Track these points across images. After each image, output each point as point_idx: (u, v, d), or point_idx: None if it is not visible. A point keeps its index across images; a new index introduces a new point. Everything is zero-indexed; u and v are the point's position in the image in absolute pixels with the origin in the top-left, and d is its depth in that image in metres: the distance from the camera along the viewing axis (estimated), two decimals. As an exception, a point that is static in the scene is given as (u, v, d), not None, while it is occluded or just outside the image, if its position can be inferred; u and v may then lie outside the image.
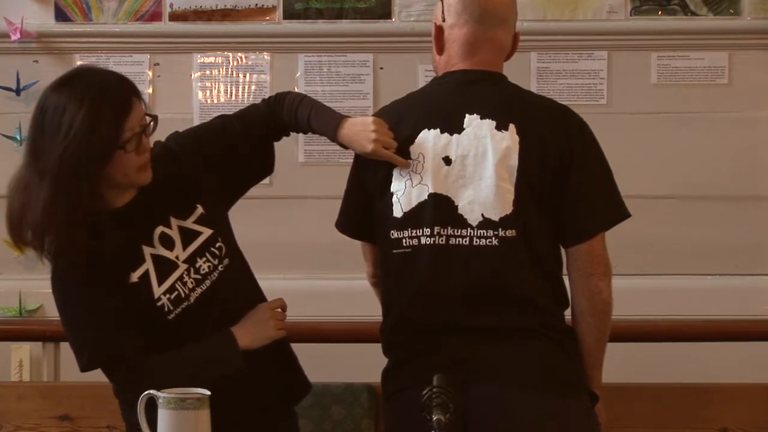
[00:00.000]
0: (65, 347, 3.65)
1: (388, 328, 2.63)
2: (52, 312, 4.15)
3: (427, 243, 2.53)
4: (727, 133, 4.25)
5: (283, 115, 2.60)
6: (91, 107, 2.30)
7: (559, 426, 2.49)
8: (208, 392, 2.19)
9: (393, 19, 4.29)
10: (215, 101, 4.30)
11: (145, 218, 2.45)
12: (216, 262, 2.48)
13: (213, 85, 4.32)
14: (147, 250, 2.44)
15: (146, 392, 2.22)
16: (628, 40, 4.26)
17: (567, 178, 2.53)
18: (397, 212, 2.57)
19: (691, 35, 4.26)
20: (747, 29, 4.25)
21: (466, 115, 2.56)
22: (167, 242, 2.46)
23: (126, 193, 2.43)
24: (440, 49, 2.67)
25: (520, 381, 2.48)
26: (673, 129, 4.26)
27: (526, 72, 4.22)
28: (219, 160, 2.54)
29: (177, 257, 2.46)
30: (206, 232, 2.48)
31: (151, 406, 2.20)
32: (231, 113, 2.61)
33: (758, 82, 4.25)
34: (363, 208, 2.68)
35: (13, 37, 4.25)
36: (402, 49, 4.25)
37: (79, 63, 4.30)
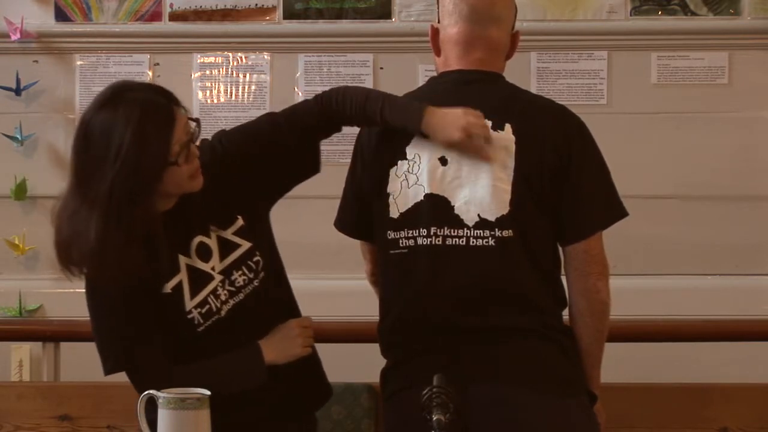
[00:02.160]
0: (65, 347, 3.67)
1: (387, 329, 2.63)
2: (52, 312, 4.21)
3: (424, 243, 2.53)
4: (727, 133, 4.25)
5: (345, 109, 2.53)
6: (137, 129, 2.25)
7: (558, 426, 2.49)
8: (208, 392, 2.19)
9: (393, 19, 4.29)
10: (215, 101, 4.30)
11: (185, 227, 2.42)
12: (252, 276, 2.46)
13: (213, 85, 4.32)
14: (183, 260, 2.42)
15: (146, 392, 2.23)
16: (628, 40, 4.26)
17: (565, 177, 2.53)
18: (394, 213, 2.57)
19: (691, 35, 4.26)
20: (747, 29, 4.25)
21: (464, 116, 2.56)
22: (204, 252, 2.43)
23: (169, 200, 2.39)
24: (437, 51, 2.68)
25: (519, 381, 2.48)
26: (673, 129, 4.26)
27: (526, 72, 4.21)
28: (263, 160, 2.49)
29: (213, 268, 2.44)
30: (245, 246, 2.46)
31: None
32: (279, 111, 2.57)
33: (758, 82, 4.25)
34: (361, 207, 2.68)
35: (13, 37, 4.24)
36: (402, 49, 4.24)
37: (79, 63, 4.31)
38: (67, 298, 4.11)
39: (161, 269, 2.38)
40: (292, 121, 2.53)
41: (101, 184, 2.26)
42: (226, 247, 2.45)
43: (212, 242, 2.44)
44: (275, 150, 2.51)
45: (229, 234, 2.46)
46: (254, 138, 2.52)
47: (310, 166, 2.57)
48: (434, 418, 2.15)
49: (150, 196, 2.30)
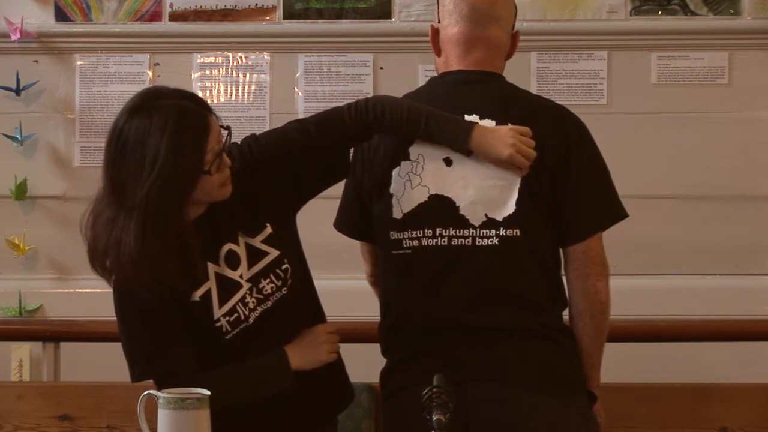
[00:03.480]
0: (65, 347, 3.67)
1: (387, 329, 2.63)
2: (52, 312, 4.21)
3: (429, 244, 2.54)
4: (727, 133, 4.25)
5: (384, 119, 2.50)
6: (173, 136, 2.23)
7: (557, 426, 2.49)
8: (208, 392, 2.19)
9: (393, 19, 4.28)
10: (215, 101, 4.29)
11: (214, 234, 2.40)
12: (280, 283, 2.44)
13: (213, 85, 4.32)
14: (212, 268, 2.40)
15: (146, 392, 2.22)
16: (628, 40, 4.26)
17: (565, 178, 2.53)
18: (397, 213, 2.57)
19: (691, 35, 4.25)
20: (747, 29, 4.25)
21: (465, 116, 2.56)
22: (233, 260, 2.41)
23: (199, 207, 2.37)
24: (438, 51, 2.68)
25: (519, 381, 2.48)
26: (673, 129, 4.25)
27: (526, 72, 4.21)
28: (292, 168, 2.48)
29: (241, 276, 2.42)
30: (273, 254, 2.44)
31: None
32: (309, 118, 2.54)
33: (758, 82, 4.24)
34: (361, 208, 2.68)
35: (13, 37, 4.24)
36: (402, 49, 4.24)
37: (79, 63, 4.31)
38: (67, 298, 4.14)
39: (193, 278, 2.36)
40: (323, 129, 2.50)
41: (137, 192, 2.24)
42: (254, 255, 2.43)
43: (240, 250, 2.43)
44: (305, 158, 2.49)
45: (257, 242, 2.44)
46: (283, 144, 2.49)
47: (338, 172, 2.56)
48: (434, 418, 2.15)
49: (185, 203, 2.29)
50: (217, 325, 2.40)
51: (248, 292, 2.42)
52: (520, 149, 2.49)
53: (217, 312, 2.40)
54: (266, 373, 2.44)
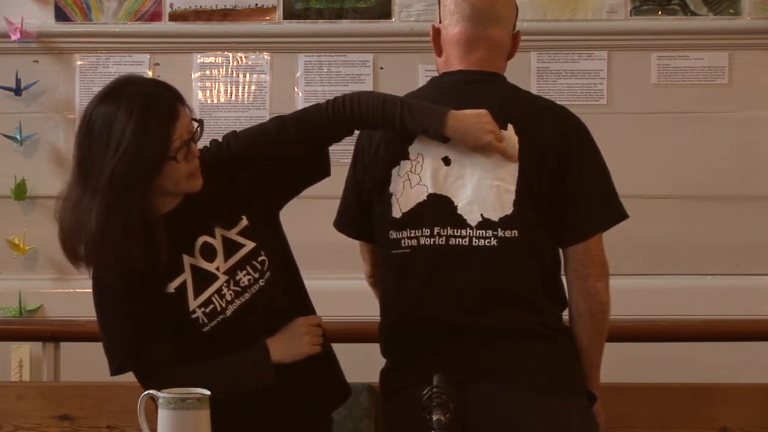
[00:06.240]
0: (65, 347, 3.67)
1: (387, 329, 2.63)
2: (52, 312, 4.21)
3: (427, 243, 2.54)
4: (727, 133, 4.25)
5: (360, 113, 2.50)
6: (139, 120, 2.27)
7: (557, 426, 2.49)
8: (208, 392, 2.19)
9: (393, 19, 4.28)
10: (215, 101, 4.30)
11: (189, 227, 2.42)
12: (257, 275, 2.45)
13: (213, 85, 4.32)
14: (187, 260, 2.42)
15: (146, 392, 2.23)
16: (628, 40, 4.26)
17: (565, 178, 2.53)
18: (396, 213, 2.57)
19: (691, 35, 4.26)
20: (747, 29, 4.25)
21: (466, 116, 2.55)
22: (209, 252, 2.43)
23: (173, 199, 2.40)
24: (439, 51, 2.68)
25: (519, 381, 2.48)
26: (673, 129, 4.26)
27: (526, 72, 4.21)
28: (269, 163, 2.48)
29: (217, 268, 2.43)
30: (249, 245, 2.45)
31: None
32: (288, 115, 2.55)
33: (758, 82, 4.25)
34: (361, 207, 2.68)
35: (13, 37, 4.24)
36: (402, 49, 4.24)
37: (79, 63, 4.31)
38: (67, 298, 4.13)
39: (164, 268, 2.38)
40: (300, 125, 2.51)
41: (102, 174, 2.27)
42: (230, 247, 2.44)
43: (217, 242, 2.44)
44: (281, 154, 2.49)
45: (233, 234, 2.45)
46: (261, 141, 2.51)
47: (318, 169, 2.55)
48: (434, 418, 2.15)
49: (148, 188, 2.31)
50: (193, 316, 2.42)
51: (225, 284, 2.43)
52: (498, 135, 2.49)
53: (193, 303, 2.42)
54: (247, 367, 2.45)
